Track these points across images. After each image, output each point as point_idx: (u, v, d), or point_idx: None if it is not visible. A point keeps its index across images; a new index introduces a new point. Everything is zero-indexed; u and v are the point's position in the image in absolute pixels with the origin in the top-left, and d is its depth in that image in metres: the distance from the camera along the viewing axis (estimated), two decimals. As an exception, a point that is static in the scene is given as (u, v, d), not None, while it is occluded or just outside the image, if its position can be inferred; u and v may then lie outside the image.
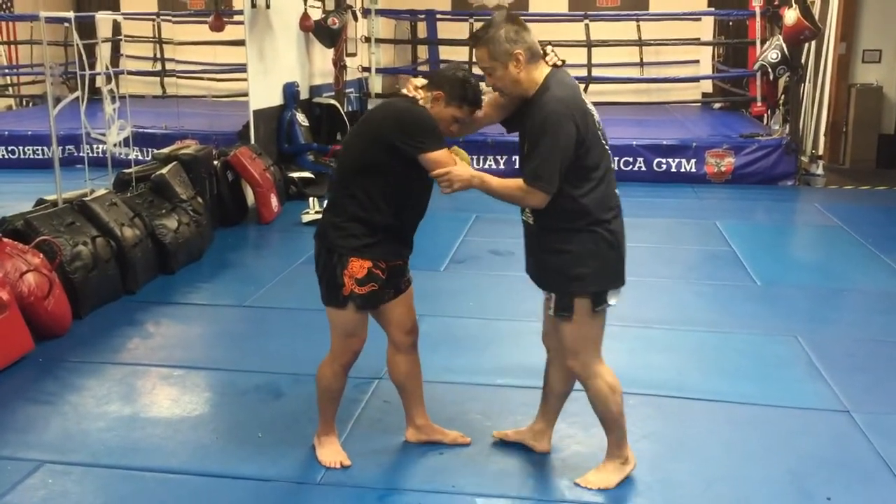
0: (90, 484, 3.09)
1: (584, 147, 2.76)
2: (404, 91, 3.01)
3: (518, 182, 2.79)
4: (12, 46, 12.18)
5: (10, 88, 12.62)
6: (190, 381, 4.04)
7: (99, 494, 3.03)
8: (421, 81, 3.02)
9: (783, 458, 3.28)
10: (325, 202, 3.16)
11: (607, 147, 2.89)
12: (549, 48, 2.92)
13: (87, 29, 6.53)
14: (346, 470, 3.17)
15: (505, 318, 4.85)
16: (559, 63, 2.90)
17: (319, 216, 7.03)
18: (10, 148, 9.58)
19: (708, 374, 4.09)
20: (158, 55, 11.53)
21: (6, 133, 9.67)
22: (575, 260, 2.84)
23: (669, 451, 3.36)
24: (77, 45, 5.40)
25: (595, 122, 2.83)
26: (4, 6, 11.96)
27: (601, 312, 2.93)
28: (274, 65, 8.36)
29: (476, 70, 3.07)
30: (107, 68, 6.00)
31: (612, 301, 2.93)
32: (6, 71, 12.28)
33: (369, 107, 10.59)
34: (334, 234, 2.98)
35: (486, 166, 9.22)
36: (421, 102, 2.94)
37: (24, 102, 12.22)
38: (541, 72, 2.83)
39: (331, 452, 3.22)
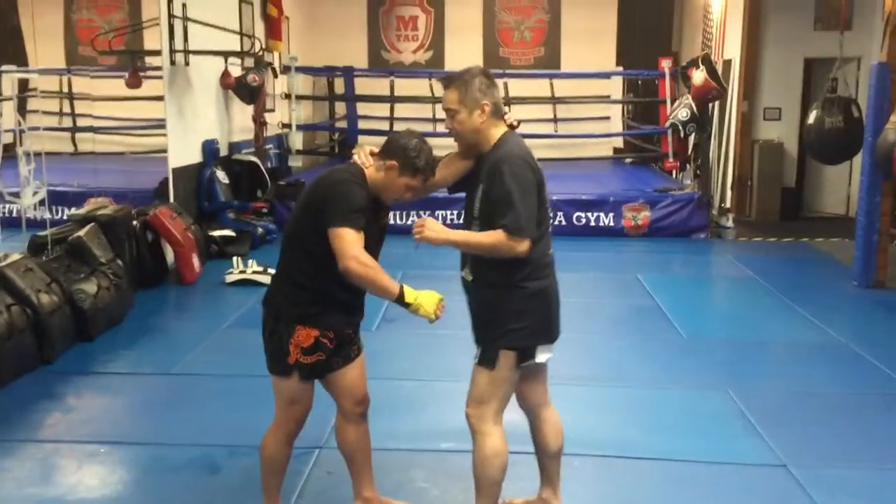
0: (17, 578, 2.88)
1: (540, 203, 2.87)
2: (355, 158, 2.98)
3: (498, 234, 2.79)
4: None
5: None
6: (117, 457, 3.84)
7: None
8: (372, 149, 3.00)
9: (728, 518, 3.33)
10: (274, 269, 3.07)
11: (548, 206, 3.00)
12: (506, 110, 3.03)
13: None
14: (293, 549, 3.05)
15: (442, 379, 4.80)
16: (515, 124, 3.01)
17: (244, 276, 6.95)
18: None
19: (647, 432, 4.13)
20: (67, 110, 11.20)
21: None
22: (507, 315, 2.87)
23: (620, 513, 3.36)
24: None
25: (544, 180, 2.93)
26: None
27: (522, 369, 2.96)
28: (193, 122, 8.22)
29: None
30: (19, 124, 5.78)
31: (539, 358, 2.95)
32: None
33: (290, 163, 10.53)
34: (281, 301, 2.92)
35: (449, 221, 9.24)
36: (371, 171, 2.92)
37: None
38: (498, 129, 2.94)
39: None
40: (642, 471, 3.73)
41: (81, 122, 10.78)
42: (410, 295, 2.78)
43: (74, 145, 10.76)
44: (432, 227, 2.83)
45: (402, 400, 4.49)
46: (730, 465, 3.77)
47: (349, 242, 2.74)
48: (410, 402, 4.47)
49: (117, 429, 4.19)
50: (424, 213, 9.24)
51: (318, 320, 2.90)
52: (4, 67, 7.68)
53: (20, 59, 10.84)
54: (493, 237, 2.82)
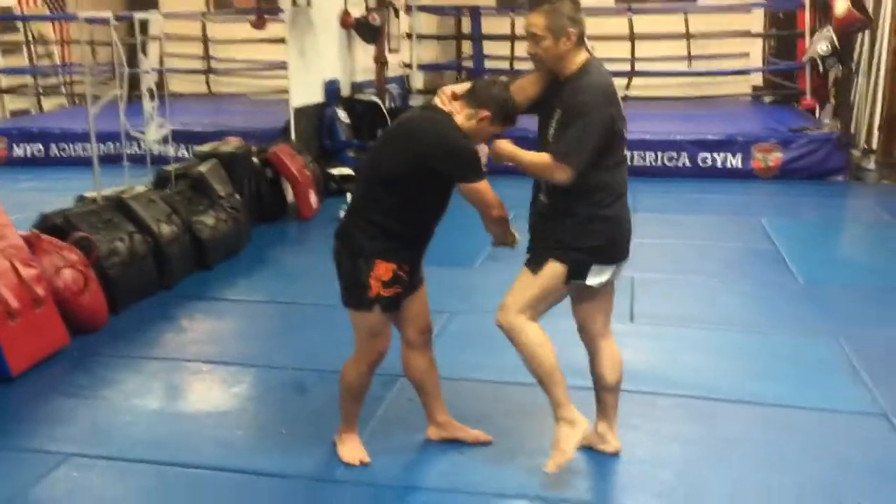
0: (113, 477, 3.14)
1: (613, 135, 2.83)
2: (437, 101, 2.97)
3: (546, 157, 2.82)
4: (65, 46, 12.50)
5: (63, 87, 12.95)
6: (218, 376, 4.07)
7: (121, 488, 3.07)
8: (455, 90, 2.98)
9: (815, 464, 3.18)
10: (348, 203, 3.13)
11: (626, 137, 2.95)
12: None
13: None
14: (366, 467, 3.16)
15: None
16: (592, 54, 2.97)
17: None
18: (60, 145, 9.82)
19: (742, 376, 3.98)
20: (203, 54, 11.72)
21: (57, 131, 9.91)
22: (566, 230, 2.89)
23: (697, 454, 3.27)
24: (115, 44, 5.48)
25: (622, 113, 2.89)
26: (56, 7, 12.26)
27: (573, 289, 2.96)
28: (315, 62, 8.40)
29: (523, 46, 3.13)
30: (149, 66, 6.09)
31: (590, 280, 2.92)
32: (58, 70, 12.60)
33: (411, 103, 10.59)
34: (359, 237, 2.95)
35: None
36: (462, 118, 2.92)
37: (76, 101, 12.52)
38: (581, 57, 2.88)
39: (351, 450, 3.21)
40: (729, 414, 3.60)
41: (212, 65, 11.30)
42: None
43: (208, 86, 11.29)
44: (498, 144, 2.94)
45: (493, 336, 4.46)
46: (824, 411, 3.59)
47: (488, 192, 2.89)
48: (502, 338, 4.47)
49: (221, 350, 4.44)
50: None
51: (395, 255, 2.95)
52: (149, 13, 8.05)
53: (157, 8, 11.39)
54: (538, 158, 2.84)
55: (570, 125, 2.79)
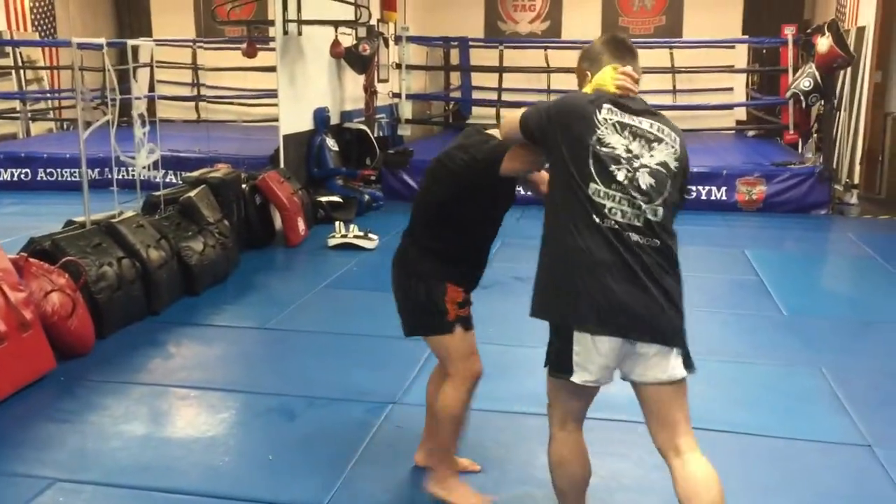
0: (99, 502, 3.12)
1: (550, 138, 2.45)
2: None
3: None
4: (54, 72, 12.52)
5: (52, 112, 12.96)
6: (206, 401, 4.07)
7: (108, 513, 3.05)
8: None
9: (801, 493, 3.21)
10: (407, 230, 3.08)
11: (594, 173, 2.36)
12: None
13: (125, 55, 6.66)
14: (354, 496, 3.15)
15: (525, 346, 4.81)
16: None
17: (345, 240, 7.14)
18: (48, 170, 9.81)
19: (728, 406, 4.01)
20: (194, 81, 11.78)
21: (45, 156, 9.90)
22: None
23: (683, 482, 3.29)
24: (108, 70, 5.51)
25: (594, 140, 2.37)
26: (47, 32, 12.31)
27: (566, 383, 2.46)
28: (305, 90, 8.47)
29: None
30: (140, 92, 6.12)
31: (576, 378, 2.39)
32: (47, 95, 12.61)
33: (399, 132, 10.67)
34: (425, 262, 2.96)
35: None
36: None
37: (65, 126, 12.52)
38: None
39: (466, 496, 3.06)
40: (717, 443, 3.60)
41: (202, 92, 11.35)
42: None
43: (198, 113, 11.34)
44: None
45: (485, 362, 4.53)
46: (809, 441, 3.63)
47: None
48: (491, 367, 4.43)
49: (209, 375, 4.43)
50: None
51: (460, 278, 2.98)
52: (141, 40, 8.11)
53: (149, 31, 11.47)
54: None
55: None
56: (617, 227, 2.33)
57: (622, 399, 3.76)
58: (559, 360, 2.42)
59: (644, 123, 2.43)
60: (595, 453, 3.34)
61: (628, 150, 2.37)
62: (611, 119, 2.39)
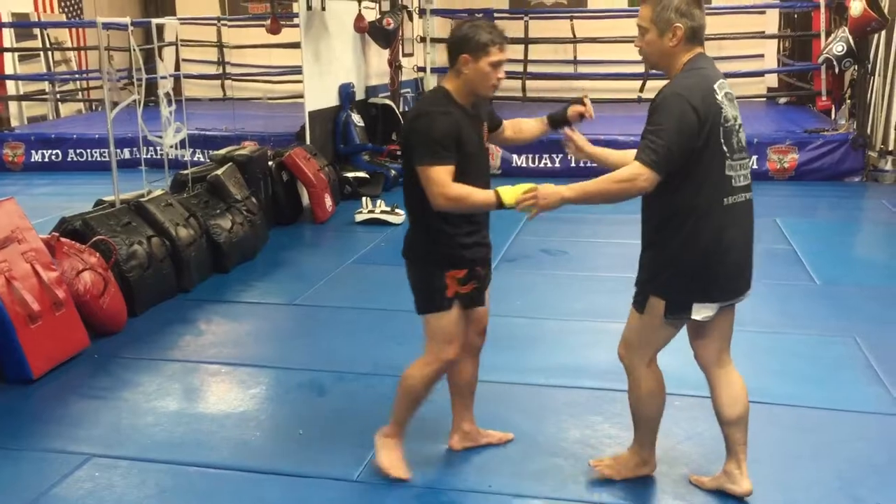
0: (135, 477, 3.17)
1: (700, 141, 2.54)
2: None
3: (612, 174, 2.57)
4: (82, 52, 12.62)
5: (80, 93, 13.08)
6: (236, 377, 4.11)
7: (142, 488, 3.10)
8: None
9: (833, 462, 3.18)
10: (402, 208, 3.11)
11: (726, 150, 2.59)
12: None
13: (151, 34, 6.68)
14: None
15: (552, 318, 4.80)
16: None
17: (372, 215, 7.15)
18: (78, 151, 9.93)
19: (759, 376, 3.94)
20: (219, 59, 11.80)
21: (74, 136, 10.01)
22: (663, 262, 2.70)
23: (714, 453, 3.26)
24: (133, 49, 5.54)
25: (718, 120, 2.57)
26: (73, 13, 12.39)
27: (680, 322, 2.77)
28: (329, 66, 8.44)
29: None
30: (166, 71, 6.14)
31: (696, 315, 2.69)
32: (75, 76, 12.72)
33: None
34: (425, 243, 2.93)
35: (542, 164, 9.18)
36: (450, 82, 2.85)
37: (93, 107, 12.64)
38: (687, 56, 2.62)
39: (392, 460, 3.11)
40: (751, 412, 3.58)
41: (227, 70, 11.39)
42: (509, 197, 2.68)
43: (223, 91, 11.38)
44: (542, 194, 2.61)
45: (508, 336, 4.50)
46: (842, 411, 3.58)
47: (434, 181, 2.72)
48: (517, 339, 4.50)
49: (240, 352, 4.48)
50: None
51: (466, 254, 2.92)
52: (166, 19, 8.13)
53: (173, 10, 11.49)
54: (607, 178, 2.58)
55: (647, 125, 2.54)
56: (738, 193, 2.67)
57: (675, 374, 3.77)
58: (681, 307, 2.70)
59: (726, 85, 2.64)
60: (624, 424, 3.36)
61: (735, 117, 2.65)
62: (721, 92, 2.61)
